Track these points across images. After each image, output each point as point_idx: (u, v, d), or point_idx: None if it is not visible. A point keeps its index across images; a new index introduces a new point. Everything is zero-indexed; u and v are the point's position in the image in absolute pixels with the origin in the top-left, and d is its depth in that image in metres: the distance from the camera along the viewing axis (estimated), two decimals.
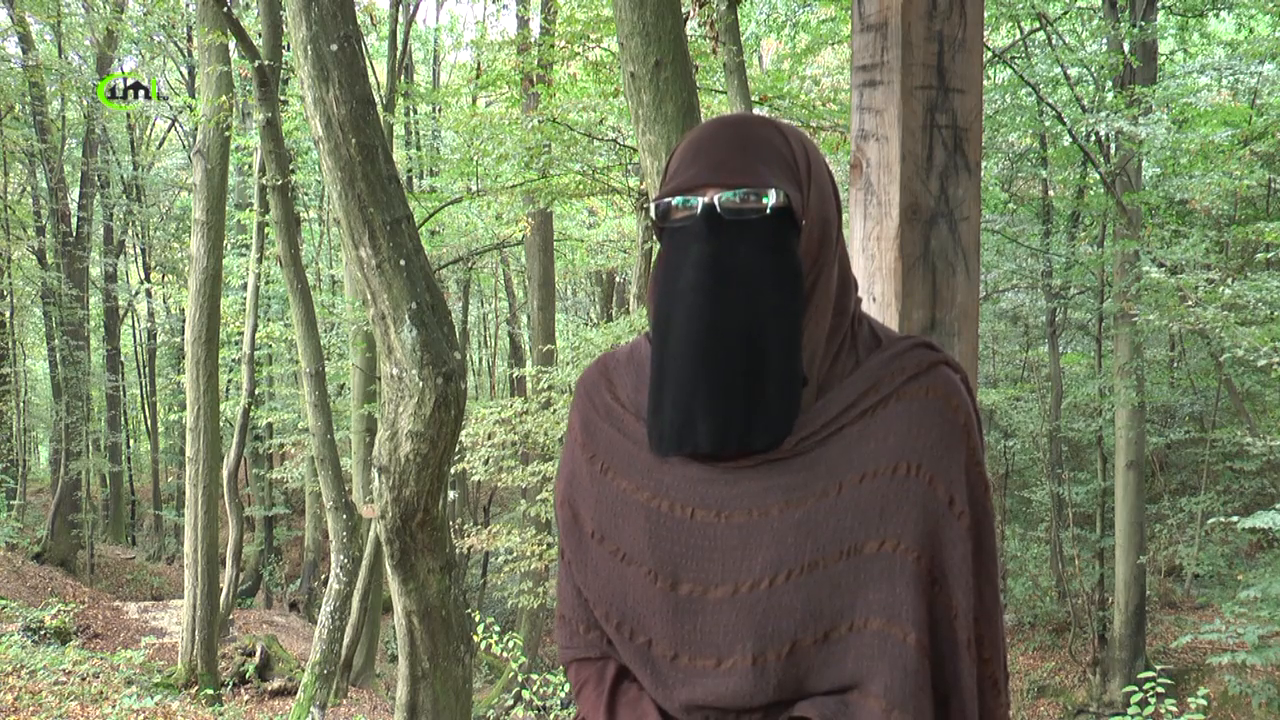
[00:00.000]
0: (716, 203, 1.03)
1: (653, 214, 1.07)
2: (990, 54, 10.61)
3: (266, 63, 8.49)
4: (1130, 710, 5.98)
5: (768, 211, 1.03)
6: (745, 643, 1.03)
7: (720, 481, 1.06)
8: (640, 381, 1.15)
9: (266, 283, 16.07)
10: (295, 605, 18.59)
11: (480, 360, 25.95)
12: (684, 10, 5.21)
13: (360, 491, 10.76)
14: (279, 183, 8.70)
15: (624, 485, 1.12)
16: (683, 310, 1.03)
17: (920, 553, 1.02)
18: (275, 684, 10.50)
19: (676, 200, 1.05)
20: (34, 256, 17.96)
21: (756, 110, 8.06)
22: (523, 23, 15.38)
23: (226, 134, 10.07)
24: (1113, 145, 11.60)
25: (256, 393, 13.07)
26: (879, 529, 1.02)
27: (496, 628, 7.80)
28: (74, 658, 8.22)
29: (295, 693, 9.47)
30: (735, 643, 1.03)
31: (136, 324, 23.75)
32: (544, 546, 10.02)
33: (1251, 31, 12.71)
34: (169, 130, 22.02)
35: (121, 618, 13.35)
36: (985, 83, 11.28)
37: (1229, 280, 9.51)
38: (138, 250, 22.75)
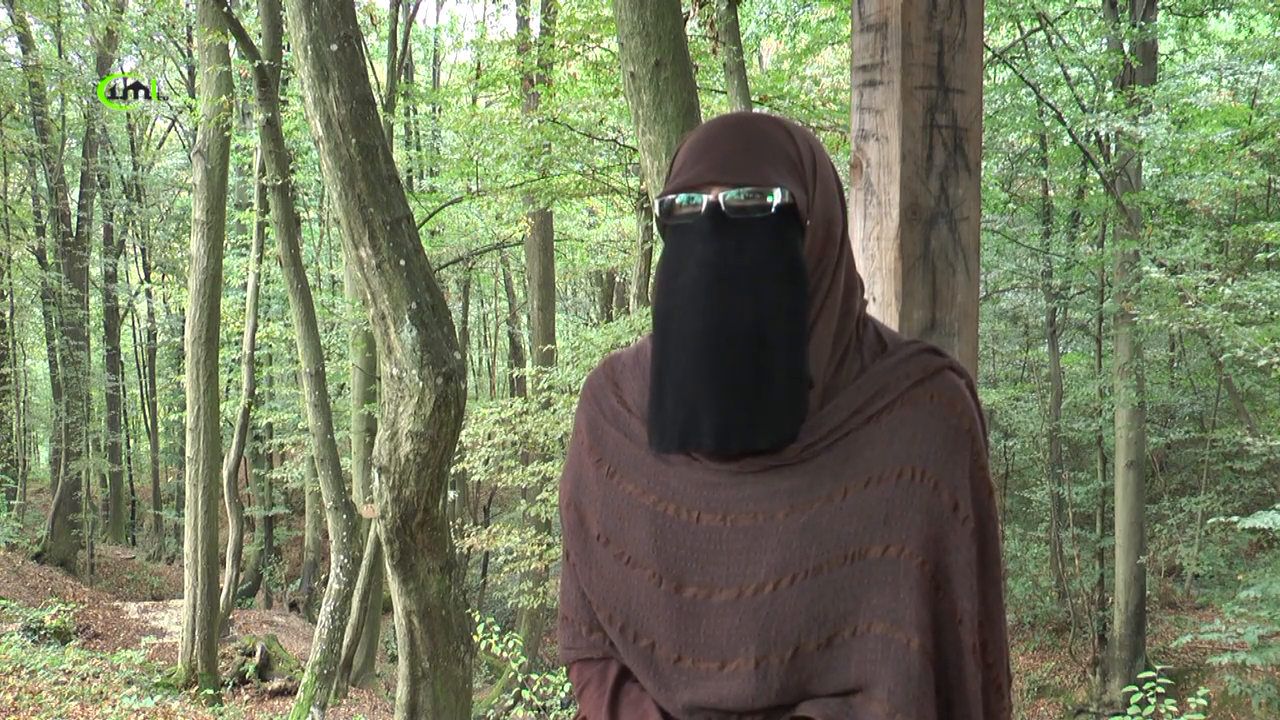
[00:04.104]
0: (721, 201, 1.02)
1: (656, 211, 1.07)
2: (990, 54, 10.61)
3: (266, 63, 8.49)
4: (1130, 710, 5.98)
5: (772, 210, 1.02)
6: (749, 646, 1.03)
7: (726, 486, 1.06)
8: (646, 384, 1.15)
9: (266, 283, 16.08)
10: (295, 605, 18.59)
11: (480, 360, 25.94)
12: (684, 10, 5.21)
13: (360, 491, 10.76)
14: (279, 183, 8.70)
15: (630, 489, 1.12)
16: (686, 307, 1.03)
17: (925, 558, 1.02)
18: (275, 684, 10.50)
19: (681, 198, 1.05)
20: (34, 256, 17.96)
21: (757, 110, 8.05)
22: (523, 23, 15.38)
23: (226, 134, 10.08)
24: (1113, 145, 11.60)
25: (256, 393, 13.07)
26: (883, 534, 1.02)
27: (496, 628, 7.80)
28: (74, 658, 8.21)
29: (295, 693, 9.47)
30: (739, 646, 1.03)
31: (136, 324, 23.75)
32: (544, 546, 10.01)
33: (1251, 31, 12.71)
34: (169, 130, 22.01)
35: (121, 618, 13.35)
36: (985, 83, 11.29)
37: (1229, 280, 9.50)
38: (138, 250, 22.75)
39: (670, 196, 1.05)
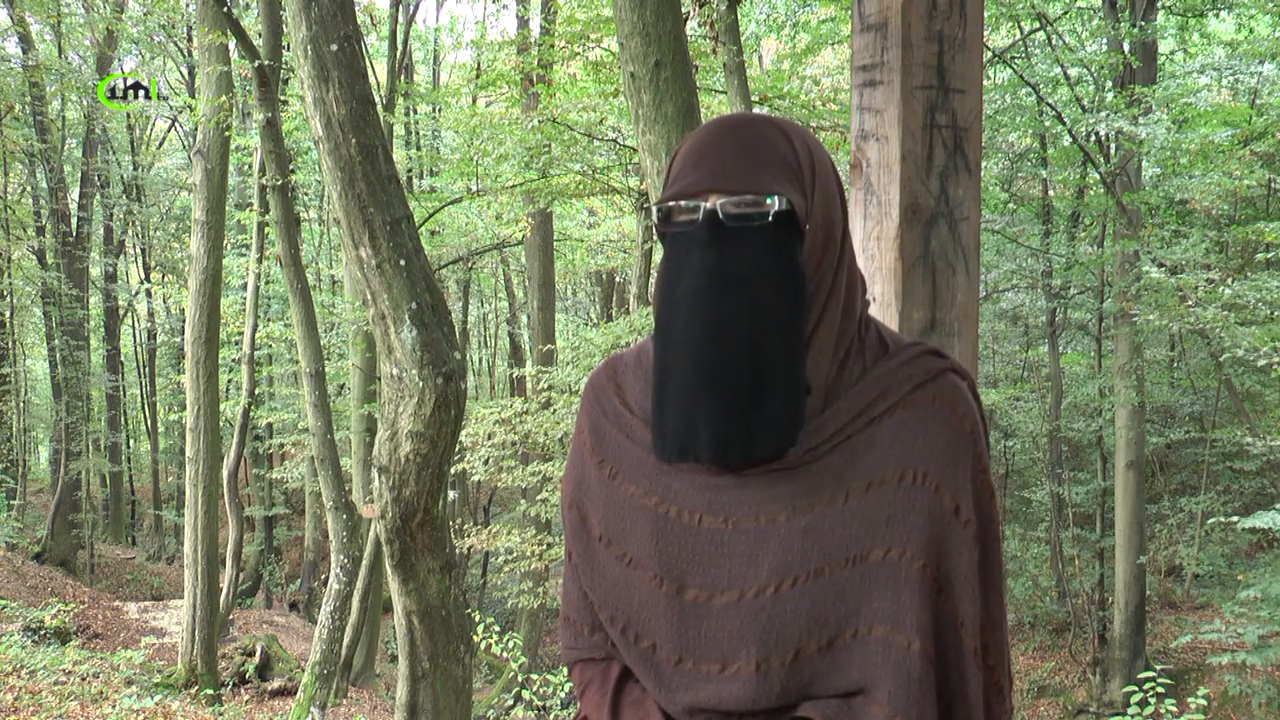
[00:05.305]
0: (719, 209, 1.02)
1: (654, 218, 1.07)
2: (990, 54, 10.61)
3: (266, 63, 8.49)
4: (1130, 710, 5.99)
5: (770, 218, 1.02)
6: (750, 648, 1.03)
7: (728, 488, 1.06)
8: (649, 386, 1.14)
9: (266, 283, 16.06)
10: (295, 605, 18.59)
11: (480, 360, 25.95)
12: (684, 10, 5.21)
13: (360, 491, 10.76)
14: (279, 183, 8.70)
15: (632, 490, 1.12)
16: (684, 318, 1.03)
17: (926, 560, 1.02)
18: (275, 684, 10.50)
19: (678, 205, 1.04)
20: (34, 256, 17.97)
21: (756, 110, 8.05)
22: (523, 23, 15.39)
23: (226, 134, 10.07)
24: (1113, 145, 11.60)
25: (256, 393, 13.07)
26: (885, 537, 1.02)
27: (496, 628, 7.81)
28: (74, 658, 8.21)
29: (295, 693, 9.47)
30: (740, 648, 1.03)
31: (136, 324, 23.76)
32: (544, 546, 10.01)
33: (1251, 31, 12.70)
34: (169, 130, 22.02)
35: (121, 618, 13.35)
36: (985, 83, 11.28)
37: (1229, 280, 9.51)
38: (138, 250, 22.75)
39: (668, 204, 1.05)
